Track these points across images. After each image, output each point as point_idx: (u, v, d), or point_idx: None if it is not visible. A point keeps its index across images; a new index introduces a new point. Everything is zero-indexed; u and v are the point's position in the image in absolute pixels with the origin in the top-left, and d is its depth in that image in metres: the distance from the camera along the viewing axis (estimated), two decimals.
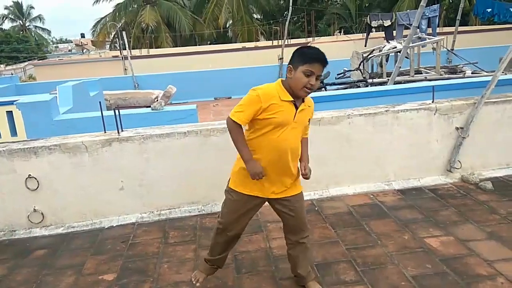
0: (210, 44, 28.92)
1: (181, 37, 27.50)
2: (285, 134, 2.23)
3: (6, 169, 3.52)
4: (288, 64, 2.21)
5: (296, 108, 2.23)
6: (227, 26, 30.70)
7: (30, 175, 3.53)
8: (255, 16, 31.78)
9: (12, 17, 45.37)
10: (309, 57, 2.15)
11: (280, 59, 13.71)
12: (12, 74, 17.29)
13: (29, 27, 46.88)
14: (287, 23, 14.66)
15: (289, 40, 18.09)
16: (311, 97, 2.38)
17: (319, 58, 2.15)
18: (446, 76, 8.73)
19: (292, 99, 2.21)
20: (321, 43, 18.15)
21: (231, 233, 2.46)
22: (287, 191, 2.38)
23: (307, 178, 2.42)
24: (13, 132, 6.44)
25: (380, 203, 3.73)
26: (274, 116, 2.18)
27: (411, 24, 6.79)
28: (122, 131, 3.75)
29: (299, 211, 2.42)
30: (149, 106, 6.39)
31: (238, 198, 2.37)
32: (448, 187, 4.00)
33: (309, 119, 2.41)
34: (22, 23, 46.27)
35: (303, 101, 2.27)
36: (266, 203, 2.45)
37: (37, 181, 3.55)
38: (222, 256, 2.59)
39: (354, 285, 2.58)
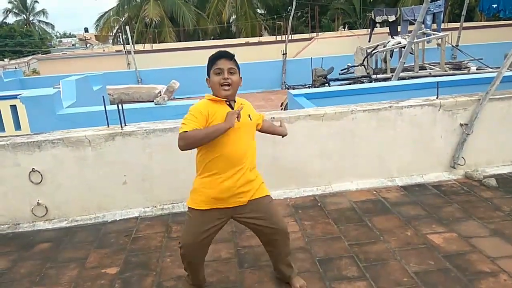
0: (213, 39, 28.85)
1: (184, 32, 27.46)
2: (231, 139, 2.16)
3: (10, 163, 3.53)
4: (206, 78, 2.28)
5: (232, 107, 2.21)
6: (230, 21, 30.61)
7: (33, 168, 3.55)
8: (258, 11, 31.68)
9: (16, 11, 45.36)
10: (211, 58, 2.23)
11: (283, 54, 13.67)
12: (16, 68, 17.34)
13: (33, 21, 46.90)
14: (290, 18, 14.61)
15: (292, 35, 18.04)
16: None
17: (220, 54, 2.22)
18: (451, 72, 8.67)
19: (224, 99, 2.20)
20: (324, 38, 18.08)
21: (192, 258, 2.34)
22: (247, 196, 2.26)
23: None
24: (17, 126, 6.46)
25: (383, 199, 3.73)
26: (213, 121, 2.12)
27: (416, 20, 6.74)
28: (125, 125, 3.75)
29: (269, 215, 2.32)
30: (152, 101, 6.39)
31: (196, 216, 2.26)
32: (451, 183, 3.99)
33: (250, 115, 2.30)
34: (26, 17, 46.28)
35: (235, 102, 2.27)
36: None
37: (41, 175, 3.57)
38: (199, 276, 2.49)
39: (356, 280, 2.58)
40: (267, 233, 2.35)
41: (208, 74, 2.25)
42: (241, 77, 2.29)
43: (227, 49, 2.44)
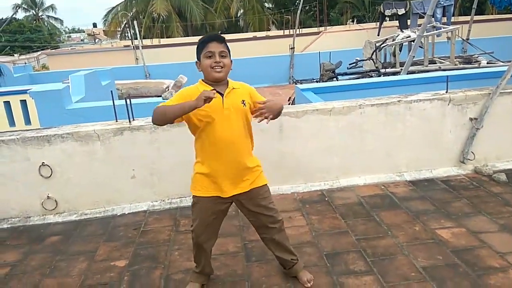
0: (221, 33, 28.77)
1: (192, 27, 27.44)
2: (220, 124, 2.15)
3: (20, 157, 3.58)
4: (196, 62, 2.25)
5: (221, 95, 2.18)
6: (238, 15, 30.52)
7: (43, 163, 3.59)
8: (266, 5, 31.54)
9: (26, 6, 45.66)
10: (201, 42, 2.20)
11: (291, 48, 13.62)
12: (25, 63, 17.49)
13: (42, 16, 47.17)
14: (298, 12, 14.53)
15: (300, 29, 17.93)
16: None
17: (210, 37, 2.19)
18: (461, 66, 8.57)
19: (212, 88, 2.15)
20: (333, 32, 17.96)
21: (202, 241, 2.38)
22: (245, 186, 2.27)
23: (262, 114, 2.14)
24: (27, 120, 6.54)
25: (391, 194, 3.71)
26: (200, 110, 2.09)
27: (426, 13, 6.66)
28: (133, 120, 3.77)
29: (262, 207, 2.34)
30: (160, 96, 6.41)
31: (198, 202, 2.30)
32: (460, 178, 3.95)
33: (244, 101, 2.23)
34: (35, 13, 46.58)
35: (227, 86, 2.22)
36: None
37: (50, 169, 3.61)
38: (207, 264, 2.52)
39: (364, 275, 2.58)
40: (262, 220, 2.38)
41: (198, 58, 2.22)
42: (231, 60, 2.25)
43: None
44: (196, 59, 2.25)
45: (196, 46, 2.23)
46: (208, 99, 2.01)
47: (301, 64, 13.20)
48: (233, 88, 2.24)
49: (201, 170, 2.27)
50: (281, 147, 3.82)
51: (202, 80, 2.26)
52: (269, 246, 2.52)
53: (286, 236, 2.51)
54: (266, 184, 2.38)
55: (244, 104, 2.24)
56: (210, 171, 2.24)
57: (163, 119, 2.14)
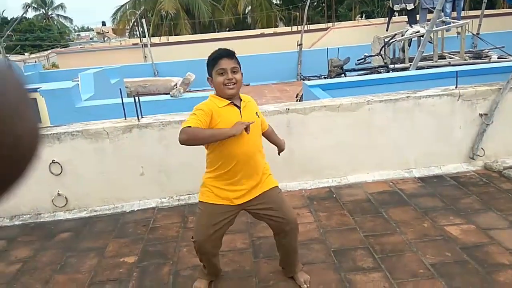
0: (229, 30, 28.79)
1: (200, 24, 27.47)
2: (239, 138, 2.13)
3: None
4: (207, 78, 2.24)
5: (238, 107, 2.19)
6: (246, 12, 30.46)
7: (53, 160, 3.63)
8: (274, 1, 31.41)
9: (36, 6, 46.10)
10: (212, 59, 2.19)
11: (299, 45, 13.56)
12: (35, 62, 17.68)
13: (52, 15, 47.57)
14: (306, 8, 14.45)
15: (308, 25, 17.85)
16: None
17: (221, 54, 2.17)
18: (471, 61, 8.47)
19: (230, 101, 2.17)
20: (341, 28, 17.84)
21: (207, 250, 2.33)
22: (255, 191, 2.26)
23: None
24: (37, 118, 6.60)
25: (399, 191, 3.69)
26: (219, 121, 2.11)
27: (435, 8, 6.58)
28: (142, 117, 3.80)
29: (278, 205, 2.30)
30: (168, 93, 6.44)
31: (207, 209, 2.27)
32: (470, 175, 3.92)
33: (257, 113, 2.29)
34: (45, 12, 46.98)
35: (241, 100, 2.24)
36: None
37: (61, 166, 3.65)
38: (214, 267, 2.51)
39: (372, 271, 2.57)
40: (278, 222, 2.34)
41: (210, 74, 2.21)
42: (242, 73, 2.24)
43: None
44: (207, 75, 2.24)
45: (206, 61, 2.22)
46: (247, 129, 2.09)
47: (309, 60, 13.14)
48: (247, 101, 2.26)
49: (213, 182, 2.24)
50: (289, 144, 3.79)
51: (215, 95, 2.23)
52: (279, 250, 2.50)
53: (297, 244, 2.47)
54: (277, 186, 2.37)
55: (258, 116, 2.28)
56: (223, 181, 2.21)
57: (196, 143, 2.12)
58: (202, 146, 2.25)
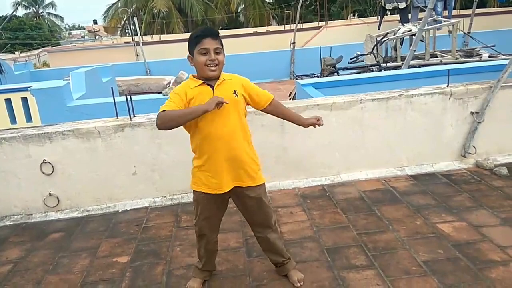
0: (221, 29, 28.75)
1: (192, 23, 27.38)
2: (212, 118, 2.10)
3: (21, 154, 3.58)
4: (188, 56, 2.19)
5: (212, 87, 2.14)
6: (238, 10, 30.42)
7: (45, 160, 3.60)
8: (267, 0, 31.40)
9: (26, 4, 45.63)
10: (195, 37, 2.12)
11: (292, 43, 13.57)
12: (26, 61, 17.48)
13: (42, 14, 47.13)
14: (299, 6, 14.46)
15: (301, 24, 17.87)
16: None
17: (205, 32, 2.12)
18: (462, 59, 8.54)
19: (202, 81, 2.14)
20: (334, 26, 17.89)
21: (206, 233, 2.39)
22: (243, 181, 2.24)
23: (319, 123, 2.43)
24: (28, 118, 6.55)
25: (392, 189, 3.71)
26: (191, 104, 2.10)
27: (427, 6, 6.62)
28: (134, 116, 3.77)
29: (260, 204, 2.32)
30: (161, 92, 6.41)
31: (198, 198, 2.31)
32: (462, 172, 3.95)
33: (236, 91, 2.18)
34: (35, 10, 46.53)
35: (218, 78, 2.17)
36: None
37: (52, 166, 3.62)
38: (210, 260, 2.53)
39: (365, 269, 2.58)
40: (254, 219, 2.39)
41: (191, 53, 2.15)
42: (224, 54, 2.19)
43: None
44: (188, 53, 2.19)
45: (188, 39, 2.16)
46: (220, 104, 2.02)
47: (302, 59, 13.16)
48: (224, 79, 2.19)
49: (199, 164, 2.25)
50: (282, 142, 3.82)
51: (193, 76, 2.21)
52: (261, 245, 2.51)
53: (279, 237, 2.51)
54: (263, 183, 2.36)
55: (236, 95, 2.18)
56: (207, 166, 2.21)
57: (171, 124, 2.09)
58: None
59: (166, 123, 2.08)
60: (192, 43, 2.14)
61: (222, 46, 2.17)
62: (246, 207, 2.36)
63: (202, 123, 2.15)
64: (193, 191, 2.34)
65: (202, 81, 2.15)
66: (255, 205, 2.33)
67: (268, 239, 2.43)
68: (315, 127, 2.46)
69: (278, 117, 2.48)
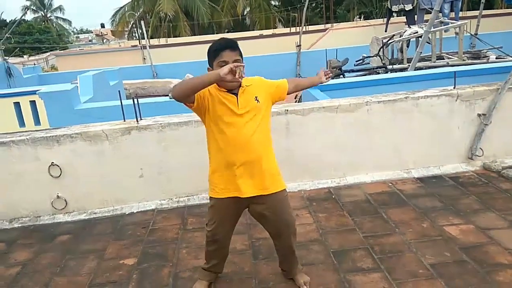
0: (228, 32, 28.82)
1: (199, 26, 27.49)
2: (234, 124, 2.13)
3: (30, 157, 3.62)
4: (207, 68, 2.20)
5: (236, 94, 2.15)
6: (244, 13, 30.49)
7: (53, 162, 3.63)
8: (273, 2, 31.48)
9: (34, 8, 46.10)
10: (214, 49, 2.13)
11: (297, 46, 13.59)
12: (34, 64, 17.69)
13: (51, 18, 47.58)
14: (305, 9, 14.49)
15: (307, 26, 17.88)
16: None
17: (224, 45, 2.12)
18: (469, 61, 8.49)
19: (226, 90, 2.15)
20: (340, 29, 17.87)
21: (220, 239, 2.38)
22: (262, 189, 2.23)
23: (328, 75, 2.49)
24: (37, 121, 6.61)
25: (398, 191, 3.69)
26: (215, 107, 2.12)
27: (433, 8, 6.60)
28: (141, 119, 3.80)
29: (279, 213, 2.29)
30: (167, 95, 6.44)
31: (215, 204, 2.29)
32: (469, 175, 3.92)
33: (257, 98, 2.20)
34: (43, 14, 46.99)
35: (240, 85, 2.18)
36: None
37: (60, 169, 3.65)
38: (218, 262, 2.53)
39: (371, 272, 2.57)
40: (276, 226, 2.35)
41: (211, 65, 2.16)
42: (244, 64, 2.17)
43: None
44: (208, 65, 2.20)
45: (207, 51, 2.18)
46: (234, 72, 1.97)
47: (307, 61, 13.16)
48: (246, 85, 2.20)
49: (218, 171, 2.24)
50: (288, 145, 3.82)
51: (217, 86, 2.20)
52: (278, 253, 2.50)
53: (295, 247, 2.48)
54: (285, 189, 2.34)
55: (258, 101, 2.20)
56: (227, 172, 2.20)
57: (183, 94, 2.09)
58: (205, 147, 2.28)
59: (180, 92, 2.07)
60: (211, 56, 2.15)
61: (242, 56, 2.17)
62: (263, 215, 2.31)
63: (223, 130, 2.15)
64: (210, 197, 2.32)
65: (226, 90, 2.16)
66: (272, 212, 2.29)
67: (288, 247, 2.41)
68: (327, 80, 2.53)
69: (300, 90, 2.59)
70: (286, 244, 2.40)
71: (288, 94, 2.43)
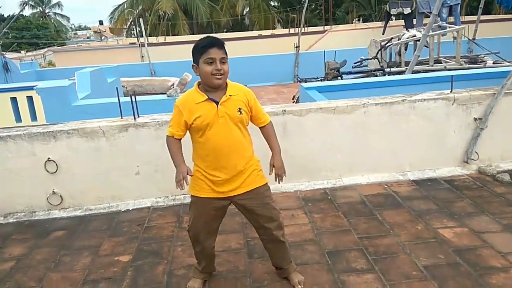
0: (226, 31, 28.83)
1: (197, 25, 27.48)
2: (215, 132, 2.17)
3: (26, 152, 3.62)
4: (192, 65, 2.21)
5: (216, 103, 2.16)
6: (244, 13, 30.51)
7: (49, 158, 3.63)
8: (272, 3, 31.52)
9: (33, 3, 45.93)
10: (201, 46, 2.14)
11: (296, 47, 13.60)
12: (32, 60, 17.59)
13: (49, 14, 47.42)
14: (304, 10, 14.50)
15: (306, 28, 17.91)
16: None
17: (211, 43, 2.13)
18: (467, 66, 8.53)
19: (207, 97, 2.16)
20: (338, 31, 17.92)
21: (201, 240, 2.39)
22: (243, 187, 2.28)
23: (280, 177, 2.39)
24: (33, 116, 6.59)
25: (394, 193, 3.71)
26: (195, 121, 2.16)
27: (432, 12, 6.63)
28: (138, 117, 3.80)
29: (263, 205, 2.33)
30: (165, 93, 6.45)
31: (196, 202, 2.33)
32: (464, 178, 3.95)
33: (241, 109, 2.21)
34: (42, 10, 46.82)
35: (224, 93, 2.19)
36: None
37: (56, 164, 3.64)
38: (207, 264, 2.54)
39: (365, 273, 2.59)
40: (260, 220, 2.37)
41: (196, 62, 2.17)
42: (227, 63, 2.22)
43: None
44: (192, 62, 2.20)
45: (192, 48, 2.18)
46: (178, 185, 2.20)
47: (306, 62, 13.17)
48: (230, 95, 2.20)
49: (199, 174, 2.28)
50: (285, 146, 3.80)
51: (199, 85, 2.22)
52: (267, 248, 2.52)
53: (286, 241, 2.48)
54: (266, 183, 2.38)
55: (241, 113, 2.22)
56: (207, 176, 2.25)
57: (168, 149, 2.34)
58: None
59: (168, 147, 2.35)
60: (197, 53, 2.15)
61: (227, 56, 2.19)
62: (250, 210, 2.35)
63: (204, 136, 2.19)
64: (191, 195, 2.35)
65: (207, 98, 2.17)
66: (255, 206, 2.33)
67: (273, 240, 2.42)
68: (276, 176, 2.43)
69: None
70: (272, 237, 2.41)
71: (258, 126, 2.42)
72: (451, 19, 12.43)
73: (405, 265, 2.64)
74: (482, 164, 4.08)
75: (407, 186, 3.84)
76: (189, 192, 2.36)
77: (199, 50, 2.15)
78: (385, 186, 3.87)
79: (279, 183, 2.44)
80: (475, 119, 4.03)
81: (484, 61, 8.97)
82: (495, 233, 2.96)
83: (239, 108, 2.21)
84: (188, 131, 2.28)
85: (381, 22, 18.37)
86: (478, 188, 3.72)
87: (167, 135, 2.31)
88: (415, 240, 2.92)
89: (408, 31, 10.11)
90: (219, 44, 2.15)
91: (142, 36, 15.59)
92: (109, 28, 34.42)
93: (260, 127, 2.43)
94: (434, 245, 2.85)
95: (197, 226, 2.36)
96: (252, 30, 27.10)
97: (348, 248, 2.88)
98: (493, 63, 8.67)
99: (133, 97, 3.75)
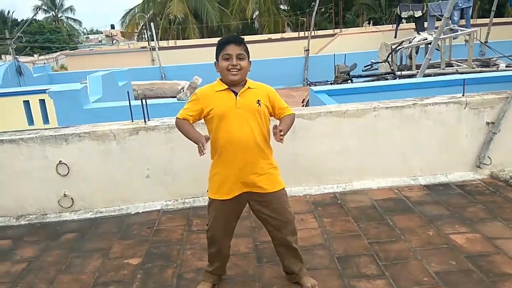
0: (236, 35, 28.87)
1: (207, 29, 27.62)
2: (232, 124, 2.18)
3: (38, 155, 3.66)
4: (214, 62, 2.30)
5: (235, 94, 2.21)
6: (253, 17, 30.59)
7: (60, 161, 3.66)
8: (282, 7, 31.53)
9: (46, 8, 46.63)
10: (219, 44, 2.24)
11: (306, 50, 13.60)
12: (44, 63, 17.86)
13: (61, 18, 48.07)
14: (314, 14, 14.51)
15: (315, 31, 17.89)
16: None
17: (229, 39, 2.23)
18: (479, 69, 8.45)
19: (227, 86, 2.22)
20: (348, 34, 17.86)
21: (218, 239, 2.41)
22: (260, 187, 2.27)
23: (281, 135, 2.17)
24: (45, 119, 6.68)
25: (405, 198, 3.67)
26: (212, 108, 2.21)
27: (443, 15, 6.58)
28: (148, 120, 3.82)
29: (279, 211, 2.32)
30: (175, 97, 6.48)
31: (214, 204, 2.34)
32: (476, 183, 3.89)
33: (259, 101, 2.23)
34: (54, 14, 47.49)
35: (243, 86, 2.25)
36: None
37: (67, 167, 3.68)
38: (221, 265, 2.54)
39: (375, 279, 2.56)
40: (275, 224, 2.37)
41: (217, 58, 2.26)
42: (250, 62, 2.27)
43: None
44: (215, 60, 2.29)
45: (215, 47, 2.27)
46: (200, 150, 2.16)
47: (315, 66, 13.18)
48: (249, 87, 2.26)
49: (215, 170, 2.31)
50: (294, 149, 3.82)
51: (220, 79, 2.29)
52: (279, 252, 2.50)
53: (297, 245, 2.47)
54: (283, 188, 2.37)
55: (259, 104, 2.24)
56: (223, 171, 2.27)
57: (179, 130, 2.35)
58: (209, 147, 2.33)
59: (178, 128, 2.35)
60: (218, 50, 2.25)
61: (247, 53, 2.24)
62: (264, 213, 2.35)
63: (221, 127, 2.21)
64: (209, 198, 2.37)
65: (227, 87, 2.22)
66: (271, 210, 2.33)
67: (286, 245, 2.42)
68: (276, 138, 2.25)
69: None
70: (285, 242, 2.41)
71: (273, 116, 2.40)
72: (463, 22, 12.32)
73: (416, 271, 2.61)
74: (495, 169, 4.02)
75: (418, 191, 3.80)
76: (208, 194, 2.38)
77: (218, 47, 2.25)
78: (396, 191, 3.83)
79: (277, 140, 2.22)
80: (488, 123, 3.97)
81: (497, 64, 8.87)
82: (509, 239, 2.91)
83: (258, 100, 2.25)
84: (204, 122, 2.31)
85: (391, 25, 18.28)
86: (491, 193, 3.66)
87: (177, 118, 2.30)
88: (426, 246, 2.89)
89: (419, 34, 10.05)
90: (237, 41, 2.22)
91: (153, 40, 15.72)
92: (121, 32, 34.81)
93: (276, 117, 2.40)
94: (446, 251, 2.81)
95: (216, 226, 2.38)
96: (261, 34, 27.13)
97: (358, 253, 2.85)
98: (506, 66, 8.56)
99: (143, 101, 3.78)
